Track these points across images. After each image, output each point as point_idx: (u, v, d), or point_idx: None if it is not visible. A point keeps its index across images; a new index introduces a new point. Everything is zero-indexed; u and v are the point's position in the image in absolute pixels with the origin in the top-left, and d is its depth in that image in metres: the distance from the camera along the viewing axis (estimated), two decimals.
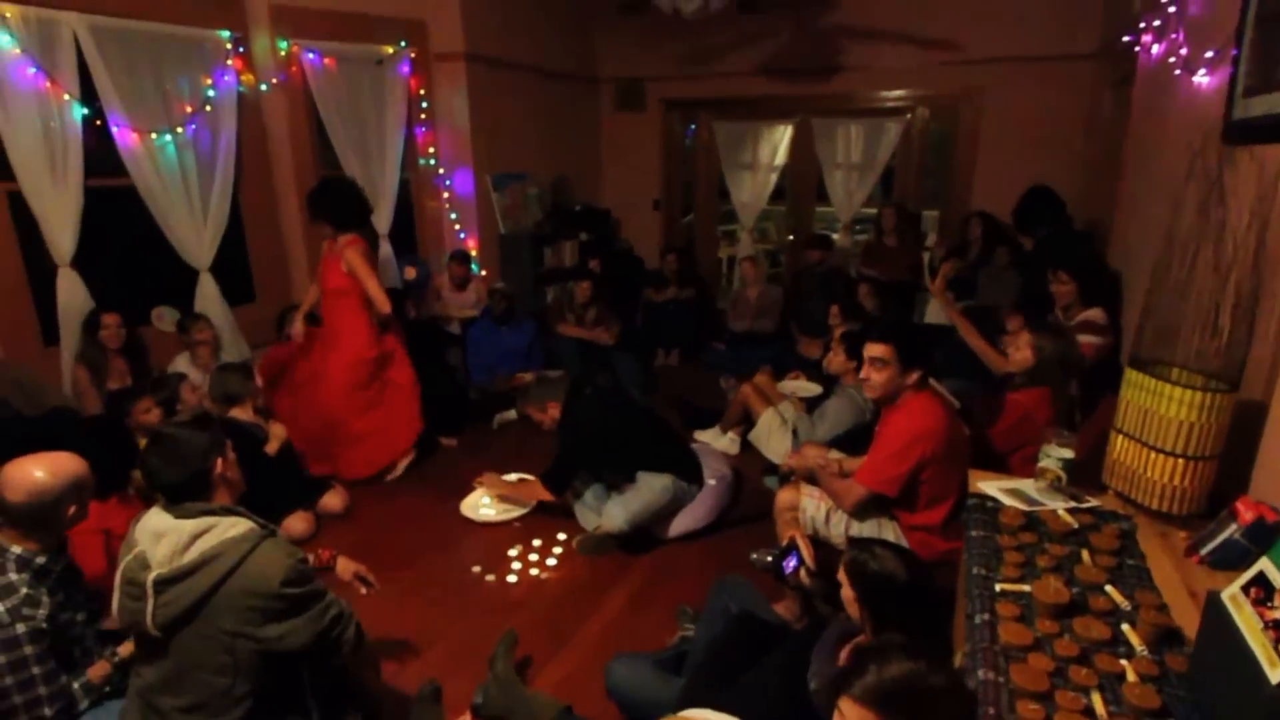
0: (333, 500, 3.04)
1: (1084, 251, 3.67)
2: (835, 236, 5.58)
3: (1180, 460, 1.61)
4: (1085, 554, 1.54)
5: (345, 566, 2.00)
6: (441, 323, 4.59)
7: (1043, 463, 1.84)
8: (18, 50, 2.90)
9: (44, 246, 3.12)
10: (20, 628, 1.50)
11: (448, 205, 4.84)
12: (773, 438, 3.32)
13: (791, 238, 5.93)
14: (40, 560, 1.59)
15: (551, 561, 2.74)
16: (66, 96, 3.08)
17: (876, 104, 5.33)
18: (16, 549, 1.57)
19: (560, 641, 2.29)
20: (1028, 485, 1.85)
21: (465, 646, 2.24)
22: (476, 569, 2.67)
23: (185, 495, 1.48)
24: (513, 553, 2.77)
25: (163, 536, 1.42)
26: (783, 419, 3.33)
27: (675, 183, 6.25)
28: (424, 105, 4.60)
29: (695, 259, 6.08)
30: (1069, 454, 1.80)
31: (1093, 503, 1.76)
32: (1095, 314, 3.01)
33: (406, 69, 4.45)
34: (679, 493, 2.88)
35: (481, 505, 3.12)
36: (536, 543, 2.84)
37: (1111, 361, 3.00)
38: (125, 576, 1.44)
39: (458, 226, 4.87)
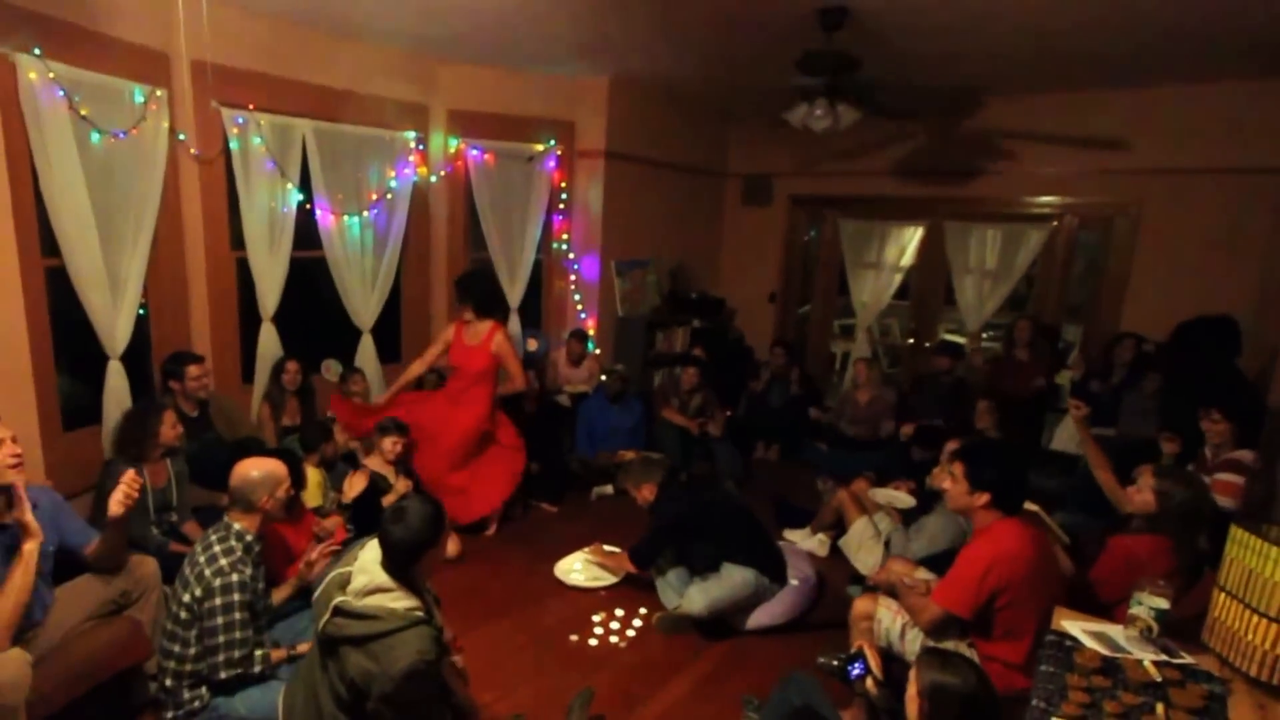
0: (449, 545, 3.42)
1: (1241, 390, 3.49)
2: (964, 341, 5.50)
3: None
4: (1160, 707, 1.54)
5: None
6: (554, 394, 5.03)
7: (1134, 609, 1.83)
8: (264, 149, 3.76)
9: (253, 304, 3.90)
10: (235, 577, 2.03)
11: (573, 286, 5.38)
12: (863, 548, 3.35)
13: (911, 340, 5.92)
14: (249, 537, 2.15)
15: (631, 633, 2.94)
16: (289, 185, 3.91)
17: (1019, 209, 5.23)
18: (238, 525, 2.14)
19: (630, 708, 2.48)
20: (1116, 631, 1.85)
21: (546, 694, 2.49)
22: (562, 627, 2.94)
23: (396, 555, 1.79)
24: (596, 618, 3.01)
25: (364, 572, 1.79)
26: (876, 530, 3.36)
27: (794, 277, 6.49)
28: (563, 196, 5.24)
29: (805, 354, 6.18)
30: (1163, 604, 1.79)
31: (1187, 660, 1.73)
32: (1246, 454, 2.88)
33: (552, 163, 5.10)
34: (760, 588, 3.00)
35: (573, 570, 3.39)
36: (619, 612, 3.05)
37: (1260, 508, 2.82)
38: (329, 582, 1.83)
39: (580, 307, 5.38)
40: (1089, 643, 1.78)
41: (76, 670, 2.05)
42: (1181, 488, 2.24)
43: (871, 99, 3.56)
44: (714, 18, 3.51)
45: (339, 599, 1.76)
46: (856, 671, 2.00)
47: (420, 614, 1.78)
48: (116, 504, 2.05)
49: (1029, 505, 2.50)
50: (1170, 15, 3.20)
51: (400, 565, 1.79)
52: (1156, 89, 4.54)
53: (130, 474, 2.10)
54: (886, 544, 3.28)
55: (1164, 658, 1.73)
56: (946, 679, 1.56)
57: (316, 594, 1.86)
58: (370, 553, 1.84)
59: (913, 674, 1.63)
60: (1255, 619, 1.61)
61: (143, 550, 2.46)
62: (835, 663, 2.03)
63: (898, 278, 5.86)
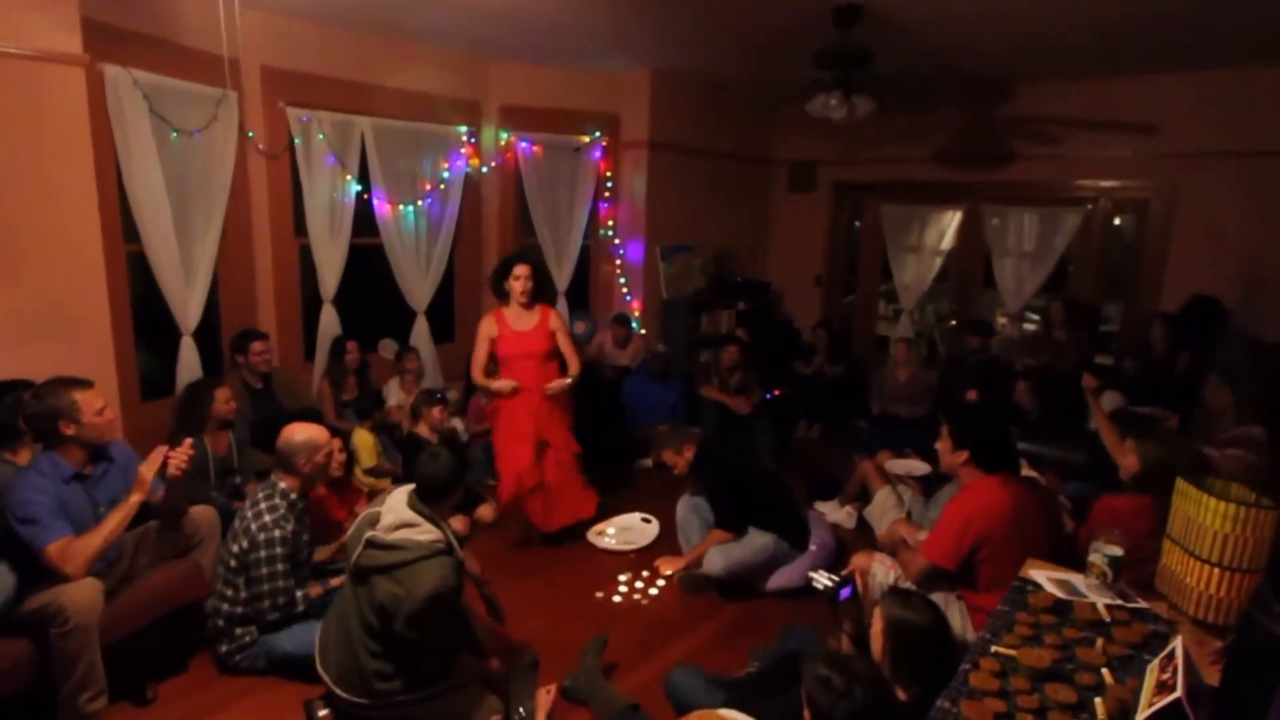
0: (485, 511, 3.85)
1: (1252, 365, 3.60)
2: (1002, 322, 5.59)
3: (1216, 570, 1.76)
4: (1100, 641, 1.76)
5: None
6: (599, 371, 5.39)
7: (1091, 557, 2.03)
8: (326, 144, 4.25)
9: (315, 286, 4.41)
10: (277, 532, 2.39)
11: (619, 271, 5.73)
12: (886, 517, 3.55)
13: (954, 322, 6.02)
14: (293, 495, 2.50)
15: (654, 591, 3.27)
16: (348, 176, 4.39)
17: (1054, 193, 5.35)
18: (283, 484, 2.50)
19: (645, 655, 2.80)
20: (1077, 579, 2.05)
21: (567, 642, 2.81)
22: (589, 586, 3.29)
23: (425, 491, 2.14)
24: (622, 577, 3.35)
25: (392, 510, 2.12)
26: (899, 499, 3.57)
27: (838, 261, 6.66)
28: (609, 184, 5.58)
29: (849, 336, 6.36)
30: (1117, 552, 1.99)
31: (1140, 605, 1.93)
32: (1255, 431, 2.98)
33: (598, 154, 5.46)
34: (779, 553, 3.28)
35: (605, 535, 3.75)
36: (645, 573, 3.39)
37: (1268, 483, 2.92)
38: (361, 520, 2.19)
39: (625, 290, 5.73)
40: (1049, 588, 1.99)
41: (144, 602, 2.38)
42: (1156, 446, 2.46)
43: (886, 90, 3.76)
44: (735, 15, 3.77)
45: (370, 534, 2.09)
46: (845, 595, 2.25)
47: (442, 546, 2.09)
48: (174, 467, 2.33)
49: (1028, 471, 2.69)
50: (1180, 7, 3.33)
51: (433, 499, 2.14)
52: (1185, 74, 4.63)
53: (187, 442, 2.37)
54: (909, 514, 3.50)
55: (1119, 602, 1.93)
56: (906, 615, 1.81)
57: (350, 532, 2.20)
58: (397, 495, 2.17)
59: (878, 612, 1.88)
60: (1193, 562, 1.80)
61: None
62: (829, 582, 2.28)
63: (938, 261, 5.99)
